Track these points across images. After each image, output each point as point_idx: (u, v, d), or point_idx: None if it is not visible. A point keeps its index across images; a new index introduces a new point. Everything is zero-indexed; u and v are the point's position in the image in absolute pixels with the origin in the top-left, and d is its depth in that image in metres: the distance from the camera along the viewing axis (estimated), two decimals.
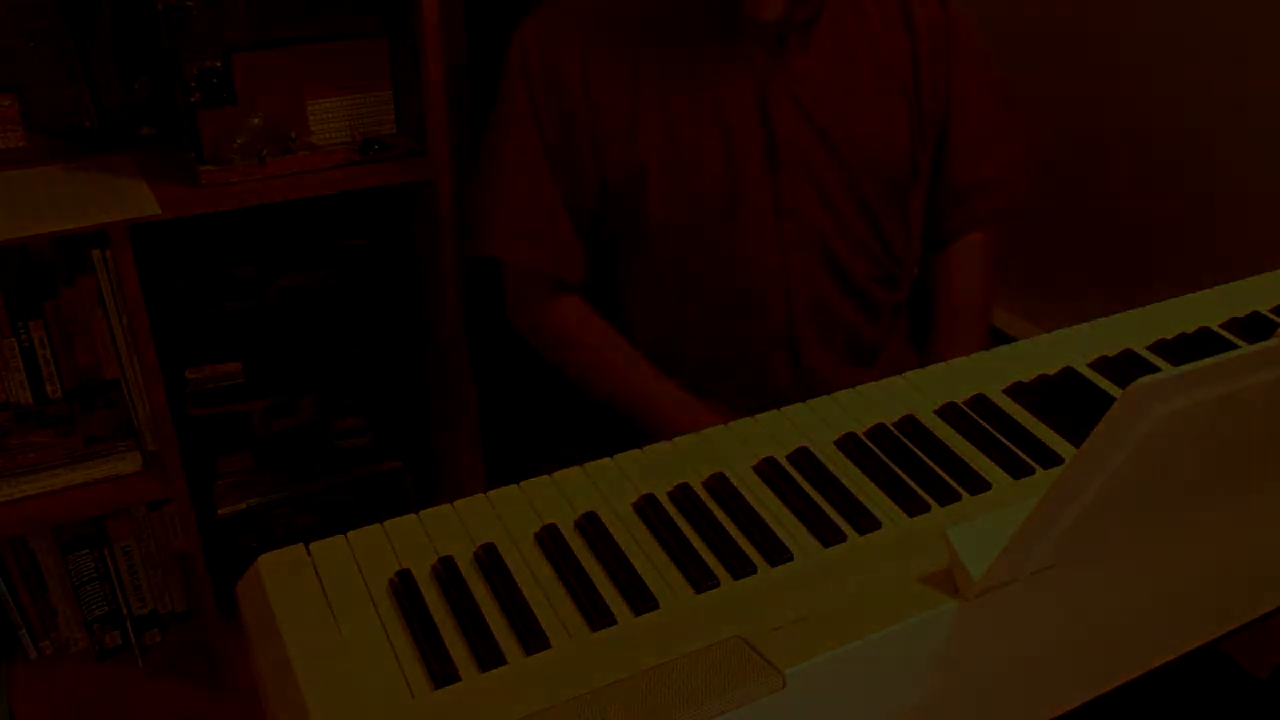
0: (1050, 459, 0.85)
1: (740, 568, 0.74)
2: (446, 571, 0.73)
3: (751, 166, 1.12)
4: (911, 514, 0.80)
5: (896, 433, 0.88)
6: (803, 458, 0.84)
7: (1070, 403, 0.92)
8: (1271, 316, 1.03)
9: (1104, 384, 0.94)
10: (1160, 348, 0.99)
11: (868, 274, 1.19)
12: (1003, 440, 0.87)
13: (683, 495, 0.80)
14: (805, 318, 1.17)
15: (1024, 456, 0.85)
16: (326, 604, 0.71)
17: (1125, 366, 0.96)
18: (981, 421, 0.89)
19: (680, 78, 1.12)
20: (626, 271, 1.20)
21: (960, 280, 1.27)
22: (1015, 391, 0.93)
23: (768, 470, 0.83)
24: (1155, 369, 0.94)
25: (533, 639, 0.69)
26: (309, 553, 0.74)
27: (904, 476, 0.83)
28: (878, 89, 1.16)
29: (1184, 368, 0.56)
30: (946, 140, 1.23)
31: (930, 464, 0.84)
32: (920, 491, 0.82)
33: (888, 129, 1.17)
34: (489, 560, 0.74)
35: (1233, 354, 0.58)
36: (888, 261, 1.21)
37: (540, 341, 1.23)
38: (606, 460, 0.84)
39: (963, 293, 1.26)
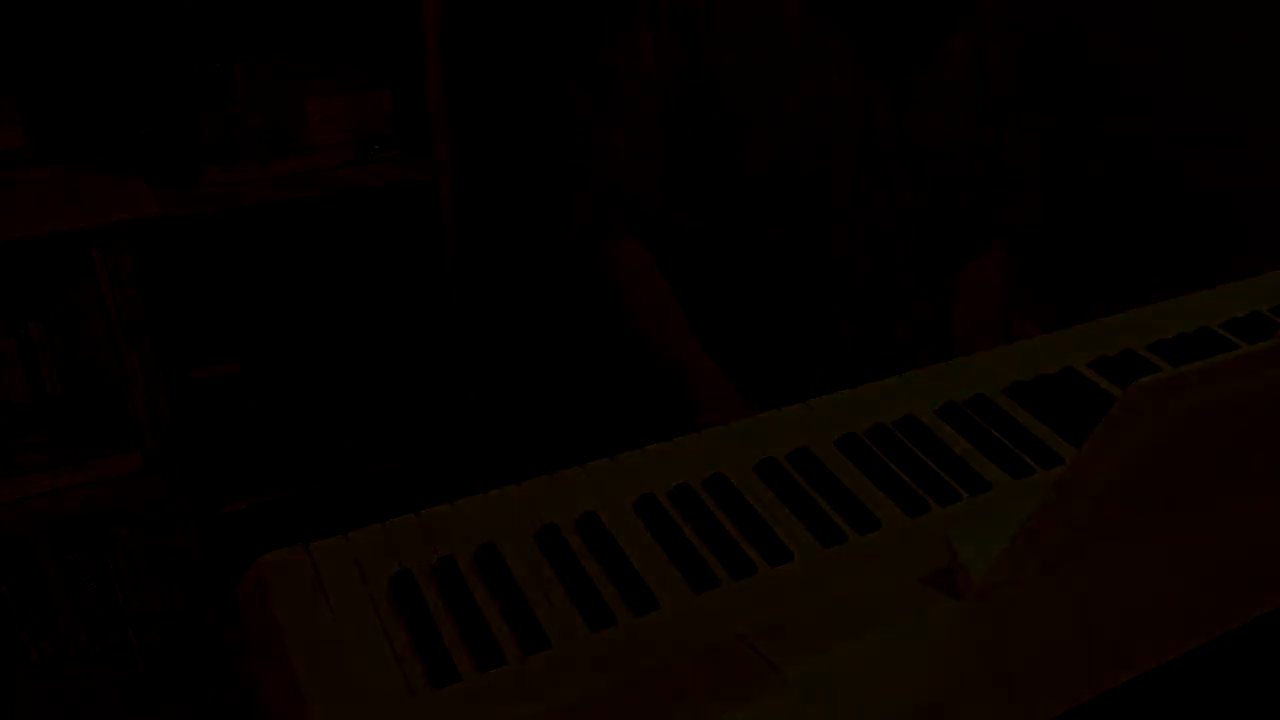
0: (1050, 459, 0.85)
1: (740, 568, 0.74)
2: (446, 571, 0.73)
3: (842, 146, 1.15)
4: (911, 514, 0.80)
5: (896, 433, 0.88)
6: (803, 458, 0.84)
7: (1070, 403, 0.92)
8: (1271, 316, 1.03)
9: (1104, 384, 0.94)
10: (1160, 348, 0.99)
11: (907, 280, 1.24)
12: (1003, 440, 0.87)
13: (683, 495, 0.80)
14: (852, 304, 1.21)
15: (1024, 456, 0.85)
16: (326, 604, 0.71)
17: (1125, 366, 0.96)
18: (981, 421, 0.89)
19: (798, 41, 1.14)
20: (696, 222, 1.22)
21: (980, 297, 1.30)
22: (1015, 391, 0.93)
23: (768, 470, 0.83)
24: (1155, 369, 0.94)
25: (532, 639, 0.69)
26: (309, 553, 0.74)
27: (904, 476, 0.83)
28: (955, 112, 1.21)
29: (1184, 368, 0.56)
30: (994, 175, 1.28)
31: (930, 464, 0.84)
32: (920, 491, 0.82)
33: (959, 150, 1.22)
34: (489, 560, 0.74)
35: (1233, 354, 0.58)
36: (923, 271, 1.25)
37: (597, 273, 1.23)
38: (606, 460, 0.83)
39: (982, 309, 1.29)
